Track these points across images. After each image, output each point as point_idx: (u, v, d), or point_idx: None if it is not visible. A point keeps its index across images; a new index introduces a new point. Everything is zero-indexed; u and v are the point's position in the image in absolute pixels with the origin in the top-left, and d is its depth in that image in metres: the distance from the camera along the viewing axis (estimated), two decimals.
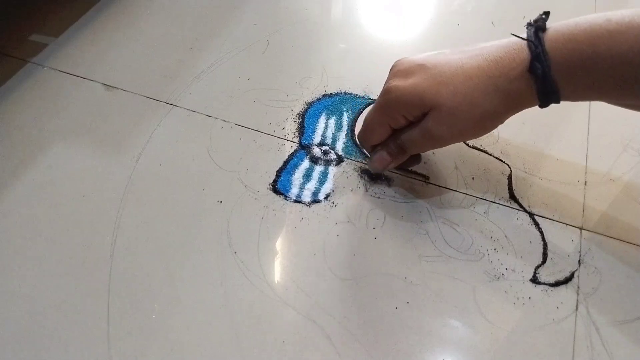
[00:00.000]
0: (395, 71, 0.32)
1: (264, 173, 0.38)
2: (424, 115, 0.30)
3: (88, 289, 0.32)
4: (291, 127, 0.41)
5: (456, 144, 0.40)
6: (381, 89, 0.32)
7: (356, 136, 0.38)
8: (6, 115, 0.43)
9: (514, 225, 0.34)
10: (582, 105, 0.42)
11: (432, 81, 0.29)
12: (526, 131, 0.40)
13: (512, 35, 0.29)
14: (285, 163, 0.39)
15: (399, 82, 0.30)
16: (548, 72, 0.27)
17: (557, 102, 0.29)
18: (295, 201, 0.36)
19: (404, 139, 0.32)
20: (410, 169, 0.38)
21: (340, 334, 0.30)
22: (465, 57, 0.29)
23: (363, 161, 0.39)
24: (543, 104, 0.29)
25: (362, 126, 0.34)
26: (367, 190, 0.37)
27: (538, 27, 0.28)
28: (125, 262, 0.34)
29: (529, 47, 0.28)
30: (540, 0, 0.52)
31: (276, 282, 0.32)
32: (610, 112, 0.42)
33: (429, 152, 0.39)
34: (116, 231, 0.35)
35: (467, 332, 0.30)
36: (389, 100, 0.31)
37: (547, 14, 0.29)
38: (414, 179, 0.37)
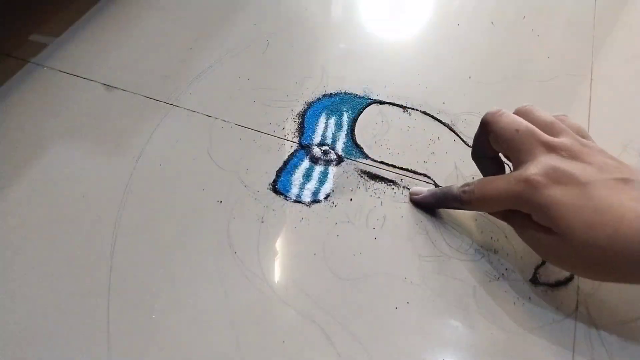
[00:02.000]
0: (548, 167, 0.27)
1: (264, 173, 0.38)
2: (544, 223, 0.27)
3: (88, 289, 0.32)
4: (291, 127, 0.41)
5: (454, 143, 0.40)
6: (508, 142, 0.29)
7: (470, 197, 0.31)
8: (6, 115, 0.43)
9: None
10: (582, 105, 0.42)
11: (582, 215, 0.26)
12: None
13: None
14: (285, 163, 0.39)
15: (548, 187, 0.27)
16: None
17: None
18: (295, 201, 0.36)
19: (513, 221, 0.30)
20: (410, 168, 0.38)
21: (340, 334, 0.30)
22: (628, 217, 0.25)
23: (363, 161, 0.39)
24: None
25: (483, 191, 0.30)
26: (367, 190, 0.37)
27: None
28: (125, 262, 0.34)
29: None
30: (540, 0, 0.52)
31: (276, 282, 0.32)
32: (610, 112, 0.42)
33: (429, 152, 0.39)
34: (116, 231, 0.35)
35: (467, 332, 0.30)
36: (527, 196, 0.27)
37: None
38: (414, 179, 0.37)
